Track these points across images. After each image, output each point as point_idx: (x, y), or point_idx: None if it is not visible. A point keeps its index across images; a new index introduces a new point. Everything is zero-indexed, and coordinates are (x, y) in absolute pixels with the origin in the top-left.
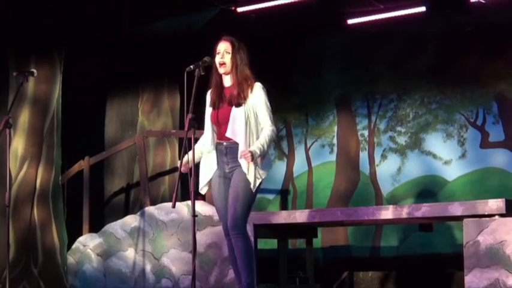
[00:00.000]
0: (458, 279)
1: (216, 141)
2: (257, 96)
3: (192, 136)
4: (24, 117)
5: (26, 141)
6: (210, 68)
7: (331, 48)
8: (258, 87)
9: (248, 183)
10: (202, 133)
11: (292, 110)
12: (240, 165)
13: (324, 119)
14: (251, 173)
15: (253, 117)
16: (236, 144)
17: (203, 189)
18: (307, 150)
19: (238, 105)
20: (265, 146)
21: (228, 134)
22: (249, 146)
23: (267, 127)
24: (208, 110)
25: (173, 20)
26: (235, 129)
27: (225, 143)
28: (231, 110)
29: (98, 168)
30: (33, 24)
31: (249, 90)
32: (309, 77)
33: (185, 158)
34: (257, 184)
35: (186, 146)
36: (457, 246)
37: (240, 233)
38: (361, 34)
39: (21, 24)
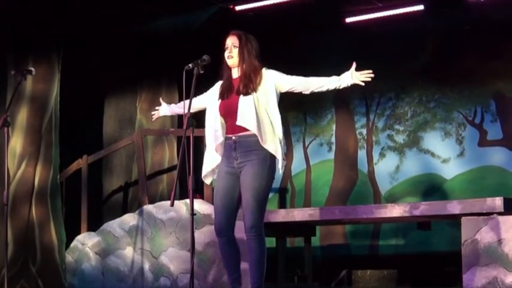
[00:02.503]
0: (457, 277)
1: (225, 136)
2: (270, 77)
3: (191, 134)
4: (22, 116)
5: (24, 140)
6: (209, 66)
7: (329, 47)
8: (265, 71)
9: (260, 180)
10: (201, 132)
11: (290, 108)
12: (250, 160)
13: (322, 117)
14: (279, 154)
15: (262, 106)
16: (246, 138)
17: (206, 178)
18: (305, 149)
19: (247, 95)
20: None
21: (238, 122)
22: (262, 133)
23: (302, 81)
24: (210, 93)
25: (172, 19)
26: (246, 117)
27: (233, 137)
28: (238, 100)
29: (96, 167)
30: (31, 22)
31: (258, 80)
32: (307, 75)
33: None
34: (284, 165)
35: (184, 144)
36: (455, 245)
37: (257, 234)
38: (359, 32)
39: (19, 22)
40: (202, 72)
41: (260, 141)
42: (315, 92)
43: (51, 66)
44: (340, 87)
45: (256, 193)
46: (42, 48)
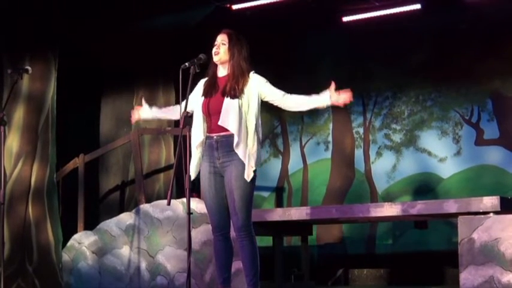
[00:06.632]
0: (453, 276)
1: (206, 135)
2: (257, 83)
3: (187, 133)
4: (19, 115)
5: (21, 139)
6: (205, 65)
7: (327, 46)
8: (253, 76)
9: (244, 180)
10: None
11: None
12: (232, 160)
13: (319, 116)
14: (246, 160)
15: (249, 108)
16: (227, 138)
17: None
18: (302, 148)
19: (233, 97)
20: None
21: (220, 122)
22: (242, 136)
23: (282, 97)
24: (195, 92)
25: (168, 18)
26: (228, 119)
27: (215, 136)
28: (223, 100)
29: (92, 166)
30: (27, 21)
31: (245, 84)
32: (304, 74)
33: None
34: (251, 174)
35: (181, 143)
36: (452, 244)
37: (247, 234)
38: (356, 31)
39: (16, 21)
40: (198, 71)
41: (234, 143)
42: (291, 109)
43: (47, 65)
44: (319, 108)
45: (242, 193)
46: (39, 47)
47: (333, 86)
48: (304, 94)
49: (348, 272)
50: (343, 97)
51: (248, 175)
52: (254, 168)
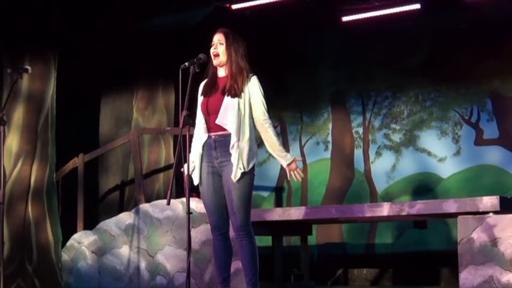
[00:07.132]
0: (453, 276)
1: (207, 134)
2: (252, 88)
3: (187, 133)
4: (18, 114)
5: (20, 139)
6: (205, 65)
7: (326, 46)
8: (253, 79)
9: (241, 179)
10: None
11: (286, 107)
12: (230, 160)
13: (318, 116)
14: (237, 164)
15: (246, 109)
16: (225, 137)
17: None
18: (302, 148)
19: (233, 96)
20: (279, 141)
21: (218, 121)
22: (240, 136)
23: (261, 121)
24: (200, 100)
25: (168, 17)
26: (227, 118)
27: (213, 136)
28: (223, 99)
29: (92, 166)
30: (27, 21)
31: (244, 83)
32: (304, 74)
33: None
34: (238, 175)
35: (180, 143)
36: (451, 244)
37: (245, 234)
38: (355, 31)
39: (15, 21)
40: (198, 70)
41: (230, 143)
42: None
43: (47, 64)
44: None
45: (240, 192)
46: (39, 47)
47: (299, 159)
48: (303, 94)
49: (348, 271)
50: (294, 175)
51: (235, 176)
52: (242, 170)
